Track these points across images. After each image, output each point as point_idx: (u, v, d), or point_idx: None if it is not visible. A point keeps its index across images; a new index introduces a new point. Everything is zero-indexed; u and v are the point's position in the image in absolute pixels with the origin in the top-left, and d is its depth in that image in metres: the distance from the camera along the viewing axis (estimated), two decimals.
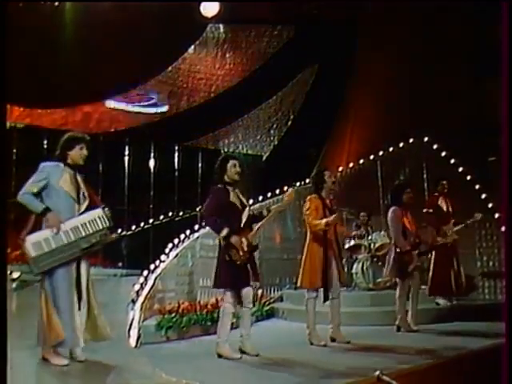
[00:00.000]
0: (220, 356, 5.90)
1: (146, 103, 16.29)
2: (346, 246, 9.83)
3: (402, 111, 12.35)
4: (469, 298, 9.11)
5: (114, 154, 14.36)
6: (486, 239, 10.10)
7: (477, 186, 10.14)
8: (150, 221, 13.55)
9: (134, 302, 7.49)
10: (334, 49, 14.85)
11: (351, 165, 11.53)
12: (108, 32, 13.47)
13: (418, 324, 7.66)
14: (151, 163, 15.07)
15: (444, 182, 9.08)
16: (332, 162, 13.48)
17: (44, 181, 5.23)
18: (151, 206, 14.60)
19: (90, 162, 5.53)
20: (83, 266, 5.34)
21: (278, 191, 10.63)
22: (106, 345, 5.52)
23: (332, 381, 4.99)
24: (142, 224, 13.42)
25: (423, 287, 8.91)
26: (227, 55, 16.74)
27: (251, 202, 9.85)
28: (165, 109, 16.52)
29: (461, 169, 10.37)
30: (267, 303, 9.38)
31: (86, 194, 5.43)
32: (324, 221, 6.67)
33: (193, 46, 16.58)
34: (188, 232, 9.04)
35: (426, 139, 10.96)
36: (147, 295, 7.71)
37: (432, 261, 8.92)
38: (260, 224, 6.11)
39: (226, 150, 16.41)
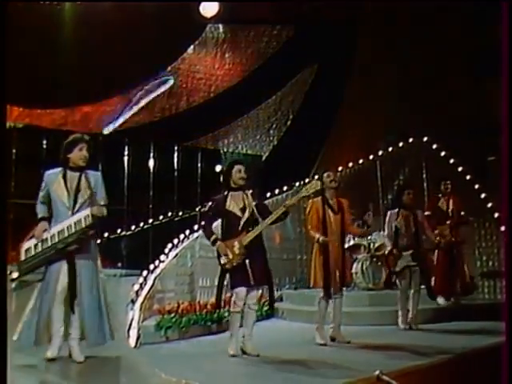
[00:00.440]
0: (244, 353, 6.06)
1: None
2: (346, 246, 9.82)
3: (401, 111, 12.35)
4: (468, 297, 9.11)
5: (113, 154, 14.35)
6: (486, 239, 10.11)
7: (476, 186, 10.15)
8: (150, 221, 13.55)
9: (133, 302, 7.49)
10: (334, 49, 14.85)
11: (350, 165, 11.53)
12: (107, 32, 13.45)
13: (419, 324, 7.67)
14: (150, 163, 15.05)
15: (447, 182, 9.10)
16: (331, 161, 13.47)
17: (45, 189, 5.44)
18: (151, 206, 14.57)
19: (88, 164, 5.54)
20: (82, 267, 5.35)
21: (277, 191, 10.65)
22: (105, 345, 5.52)
23: (332, 380, 4.99)
24: (141, 224, 13.40)
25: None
26: (226, 55, 16.72)
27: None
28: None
29: (460, 168, 10.37)
30: (267, 303, 9.38)
31: (87, 195, 5.42)
32: (317, 236, 6.80)
33: (192, 46, 16.55)
34: (187, 232, 9.04)
35: (425, 139, 10.97)
36: (147, 295, 7.71)
37: (435, 261, 8.95)
38: (252, 232, 6.10)
39: (225, 150, 16.39)
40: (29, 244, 5.29)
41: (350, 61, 14.66)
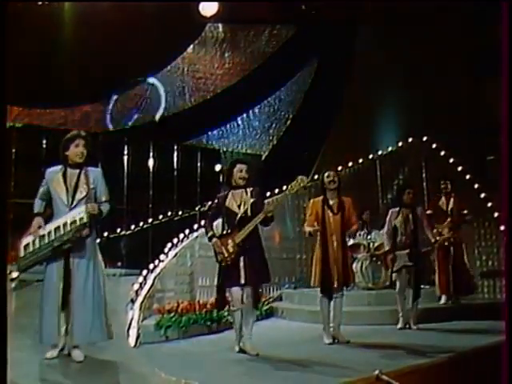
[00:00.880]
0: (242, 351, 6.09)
1: None
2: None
3: (401, 111, 12.36)
4: (468, 297, 9.11)
5: (113, 154, 14.34)
6: (485, 238, 10.11)
7: (476, 185, 10.15)
8: (149, 220, 13.55)
9: (133, 301, 7.49)
10: (334, 48, 14.85)
11: (350, 164, 11.53)
12: (107, 32, 13.45)
13: (418, 323, 7.67)
14: (150, 163, 15.06)
15: (447, 182, 9.11)
16: (331, 161, 13.47)
17: (44, 186, 5.44)
18: (150, 206, 14.58)
19: (86, 161, 5.54)
20: (77, 265, 5.34)
21: (276, 191, 10.64)
22: (105, 344, 5.52)
23: (332, 379, 4.99)
24: (141, 223, 13.40)
25: (426, 287, 8.95)
26: (226, 55, 16.71)
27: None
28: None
29: (460, 168, 10.37)
30: (266, 302, 9.39)
31: (85, 192, 5.42)
32: (307, 230, 6.91)
33: (192, 46, 16.57)
34: (187, 231, 9.05)
35: (425, 138, 10.97)
36: (146, 295, 7.72)
37: (437, 261, 8.97)
38: (245, 229, 6.10)
39: (225, 149, 16.40)
40: (27, 240, 5.28)
41: (349, 61, 14.67)
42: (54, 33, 13.43)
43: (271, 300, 9.69)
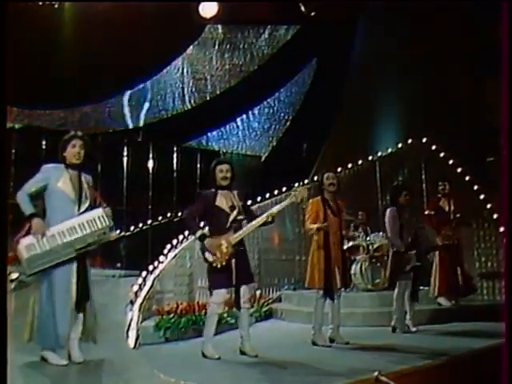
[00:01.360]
0: (204, 356, 5.94)
1: None
2: (345, 247, 9.83)
3: (401, 111, 12.36)
4: (467, 298, 9.11)
5: (112, 155, 14.34)
6: (485, 240, 10.10)
7: (475, 187, 10.14)
8: (149, 221, 13.54)
9: (132, 302, 7.50)
10: (334, 49, 14.85)
11: (350, 165, 11.53)
12: (106, 32, 13.45)
13: (417, 325, 7.66)
14: (150, 164, 15.06)
15: (445, 183, 9.11)
16: (331, 162, 13.47)
17: (44, 182, 5.28)
18: (150, 207, 14.57)
19: (88, 161, 5.53)
20: (83, 268, 5.34)
21: (276, 192, 10.64)
22: (104, 345, 5.52)
23: (331, 381, 4.99)
24: (140, 225, 13.40)
25: (425, 288, 8.94)
26: (226, 55, 16.71)
27: (250, 202, 9.92)
28: None
29: (459, 169, 10.36)
30: (266, 304, 9.39)
31: (89, 195, 5.43)
32: (316, 225, 6.77)
33: (191, 47, 16.57)
34: (186, 233, 9.04)
35: (424, 140, 10.96)
36: (146, 296, 7.72)
37: (437, 262, 8.96)
38: (241, 232, 6.10)
39: (224, 150, 16.40)
40: (29, 241, 5.11)
41: (349, 61, 14.67)
42: (54, 33, 13.44)
43: (270, 301, 9.68)
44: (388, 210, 7.87)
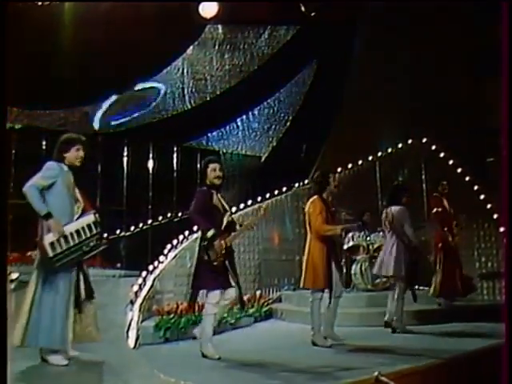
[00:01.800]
0: (204, 356, 5.96)
1: None
2: (345, 247, 9.85)
3: (401, 111, 12.35)
4: (467, 298, 9.11)
5: (112, 155, 14.35)
6: (485, 240, 10.11)
7: (475, 187, 10.14)
8: (149, 222, 13.54)
9: (132, 302, 7.51)
10: (333, 49, 14.84)
11: (350, 165, 11.54)
12: (106, 32, 13.44)
13: (413, 325, 7.67)
14: (150, 164, 15.06)
15: (444, 183, 9.11)
16: (331, 162, 13.47)
17: (54, 179, 5.25)
18: (150, 207, 14.57)
19: (88, 162, 5.54)
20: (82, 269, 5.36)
21: (276, 192, 10.65)
22: (105, 345, 5.52)
23: (330, 381, 4.99)
24: (140, 225, 13.40)
25: (425, 288, 8.95)
26: (226, 56, 16.70)
27: (250, 203, 9.94)
28: None
29: (459, 169, 10.37)
30: (266, 304, 9.40)
31: (80, 197, 5.44)
32: (340, 227, 6.89)
33: (191, 47, 16.56)
34: (187, 233, 9.05)
35: (424, 140, 10.97)
36: (146, 296, 7.73)
37: (437, 262, 8.95)
38: (236, 233, 6.12)
39: (224, 151, 16.39)
40: (51, 238, 5.10)
41: (349, 61, 14.66)
42: (54, 33, 13.43)
43: (270, 301, 9.68)
44: (400, 209, 7.77)
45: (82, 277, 5.33)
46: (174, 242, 9.01)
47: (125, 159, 14.68)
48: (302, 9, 14.57)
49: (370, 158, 11.45)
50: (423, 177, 10.90)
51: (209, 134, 16.56)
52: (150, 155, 15.07)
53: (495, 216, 9.82)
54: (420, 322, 7.97)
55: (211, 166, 6.19)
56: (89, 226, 5.32)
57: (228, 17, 15.43)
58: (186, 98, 16.49)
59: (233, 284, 6.07)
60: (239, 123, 16.72)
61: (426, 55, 12.39)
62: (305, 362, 5.80)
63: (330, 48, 14.93)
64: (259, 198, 10.37)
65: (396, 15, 12.63)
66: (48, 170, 5.26)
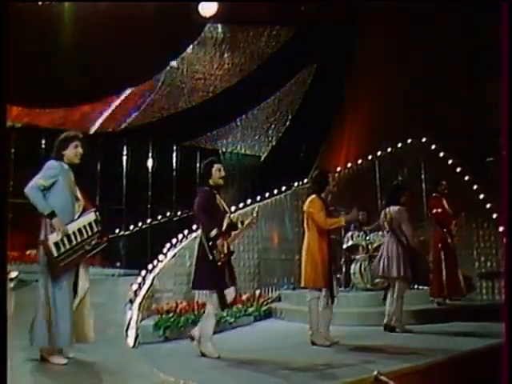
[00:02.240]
0: (203, 354, 5.97)
1: None
2: (344, 246, 9.85)
3: (400, 111, 12.35)
4: (467, 298, 9.11)
5: (112, 154, 14.36)
6: (484, 239, 10.10)
7: (475, 187, 10.14)
8: (148, 220, 13.56)
9: (131, 301, 7.51)
10: (333, 49, 14.85)
11: (349, 165, 11.54)
12: (106, 32, 13.45)
13: (413, 324, 7.67)
14: (149, 163, 15.08)
15: (444, 183, 9.11)
16: (330, 162, 13.48)
17: (55, 178, 5.25)
18: (149, 206, 14.59)
19: (88, 161, 5.54)
20: (81, 268, 5.36)
21: (275, 191, 10.66)
22: (104, 344, 5.53)
23: (330, 380, 4.99)
24: (139, 224, 13.42)
25: (425, 288, 8.95)
26: (225, 55, 16.69)
27: (249, 202, 9.95)
28: None
29: (459, 169, 10.37)
30: (265, 303, 9.40)
31: (80, 196, 5.45)
32: (343, 219, 6.81)
33: (191, 46, 16.56)
34: (186, 232, 9.05)
35: (424, 139, 10.96)
36: (145, 295, 7.73)
37: (440, 262, 8.94)
38: (237, 232, 6.14)
39: (224, 150, 16.41)
40: (55, 238, 5.11)
41: (349, 61, 14.67)
42: (54, 33, 13.43)
43: (270, 301, 9.68)
44: (399, 209, 7.77)
45: (80, 276, 5.34)
46: (174, 240, 9.01)
47: (124, 158, 14.69)
48: (302, 8, 14.59)
49: (370, 157, 11.44)
50: (423, 176, 10.90)
51: (208, 133, 16.57)
52: (150, 154, 15.08)
53: (495, 216, 9.82)
54: (419, 322, 7.96)
55: (216, 166, 6.22)
56: (90, 224, 5.33)
57: (228, 16, 15.43)
58: (186, 97, 16.49)
59: (231, 284, 6.07)
60: (239, 122, 16.73)
61: (426, 55, 12.39)
62: (304, 360, 5.80)
63: (329, 48, 14.93)
64: (258, 198, 10.38)
65: (396, 15, 12.63)
66: (49, 170, 5.26)
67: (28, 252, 10.48)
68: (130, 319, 7.04)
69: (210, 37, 16.67)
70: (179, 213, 13.59)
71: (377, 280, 9.28)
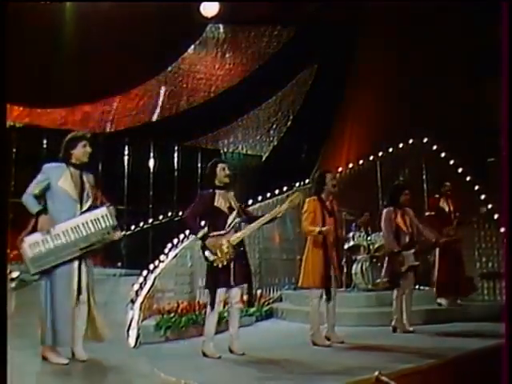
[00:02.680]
0: (205, 355, 5.99)
1: None
2: (346, 247, 9.83)
3: (401, 112, 12.34)
4: (468, 298, 9.10)
5: (113, 154, 14.36)
6: (485, 240, 10.08)
7: (476, 187, 10.13)
8: (150, 221, 13.56)
9: (133, 301, 7.51)
10: (334, 49, 14.85)
11: (351, 165, 11.53)
12: (107, 32, 13.45)
13: (413, 325, 7.66)
14: (151, 163, 15.07)
15: (448, 184, 9.11)
16: (331, 162, 13.48)
17: (45, 182, 5.29)
18: (150, 206, 14.59)
19: (90, 161, 5.55)
20: (85, 266, 5.35)
21: (277, 191, 10.65)
22: (105, 345, 5.52)
23: (331, 380, 4.99)
24: (141, 224, 13.42)
25: (426, 288, 8.94)
26: (227, 55, 16.71)
27: (251, 202, 9.93)
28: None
29: (460, 170, 10.36)
30: (266, 303, 9.40)
31: (91, 193, 5.45)
32: (318, 229, 6.73)
33: (192, 46, 16.56)
34: (187, 232, 9.04)
35: (425, 140, 10.95)
36: (146, 295, 7.73)
37: (437, 262, 8.94)
38: (241, 233, 6.13)
39: (225, 150, 16.40)
40: (34, 239, 5.13)
41: (350, 61, 14.67)
42: (55, 32, 13.44)
43: (271, 301, 9.68)
44: (384, 211, 7.87)
45: (83, 274, 5.33)
46: (175, 240, 9.01)
47: (125, 158, 14.69)
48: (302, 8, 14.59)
49: (371, 157, 11.43)
50: (424, 177, 10.89)
51: (210, 133, 16.56)
52: (151, 154, 15.08)
53: (496, 216, 9.80)
54: (421, 322, 7.95)
55: (220, 165, 6.25)
56: (95, 220, 5.32)
57: (229, 16, 15.45)
58: (187, 97, 16.50)
59: (233, 284, 6.06)
60: (240, 122, 16.73)
61: (426, 55, 12.38)
62: (305, 360, 5.80)
63: (330, 48, 14.93)
64: (260, 198, 10.37)
65: (396, 15, 12.63)
66: (40, 175, 5.33)
67: None
68: (132, 319, 7.04)
69: (212, 37, 16.69)
70: (180, 213, 13.57)
71: (378, 280, 9.28)
